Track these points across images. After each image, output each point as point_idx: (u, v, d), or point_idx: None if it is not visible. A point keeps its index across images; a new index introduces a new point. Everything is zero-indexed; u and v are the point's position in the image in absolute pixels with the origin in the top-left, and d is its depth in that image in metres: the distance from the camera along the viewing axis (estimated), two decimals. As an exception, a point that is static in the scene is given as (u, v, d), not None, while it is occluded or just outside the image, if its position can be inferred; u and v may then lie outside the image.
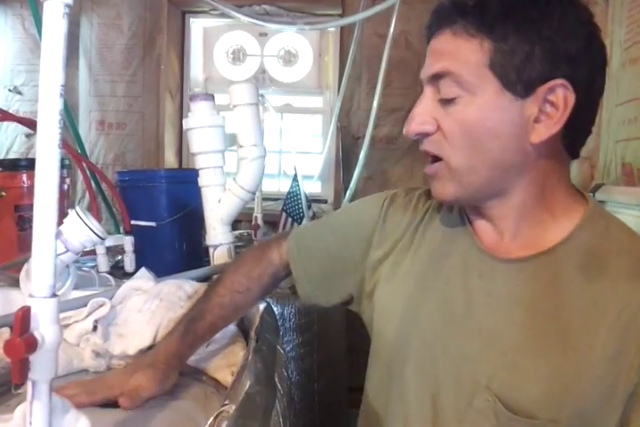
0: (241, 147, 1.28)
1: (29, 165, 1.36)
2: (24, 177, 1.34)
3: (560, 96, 0.61)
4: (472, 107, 0.63)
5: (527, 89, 0.62)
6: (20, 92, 2.90)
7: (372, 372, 0.80)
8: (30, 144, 2.88)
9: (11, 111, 2.35)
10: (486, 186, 0.67)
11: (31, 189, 1.33)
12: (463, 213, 0.76)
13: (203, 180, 1.30)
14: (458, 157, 0.65)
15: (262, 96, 1.89)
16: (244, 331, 0.98)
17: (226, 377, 0.87)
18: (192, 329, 0.83)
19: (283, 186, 2.92)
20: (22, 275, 0.93)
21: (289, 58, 3.01)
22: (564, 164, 0.69)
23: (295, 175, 2.17)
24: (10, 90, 2.90)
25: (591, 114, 0.67)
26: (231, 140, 1.31)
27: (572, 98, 0.61)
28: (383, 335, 0.77)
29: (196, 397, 0.81)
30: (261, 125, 1.32)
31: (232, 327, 0.98)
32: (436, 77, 0.65)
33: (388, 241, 0.80)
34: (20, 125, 2.64)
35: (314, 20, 2.71)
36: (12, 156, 2.89)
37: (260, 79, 3.00)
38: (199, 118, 1.25)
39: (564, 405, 0.61)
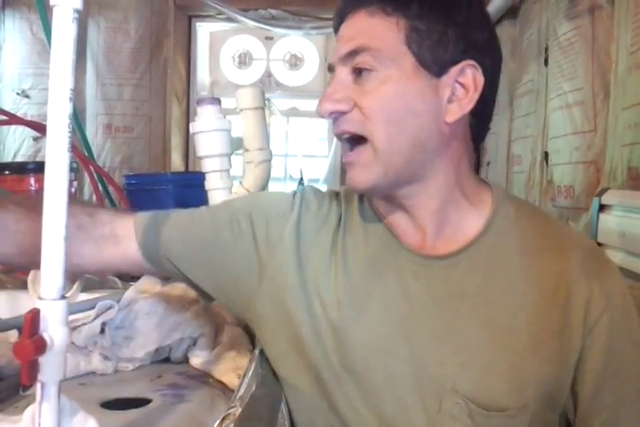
0: (247, 150, 1.29)
1: (37, 168, 1.37)
2: (32, 180, 1.35)
3: (469, 77, 0.64)
4: (390, 82, 0.63)
5: (441, 68, 0.64)
6: (27, 96, 2.92)
7: (297, 382, 0.72)
8: (38, 147, 2.89)
9: (18, 114, 2.36)
10: (406, 168, 0.65)
11: (39, 192, 1.33)
12: (377, 210, 0.72)
13: (209, 183, 1.30)
14: (381, 135, 0.63)
15: (268, 100, 1.90)
16: (250, 334, 0.99)
17: (232, 380, 0.87)
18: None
19: (289, 189, 2.92)
20: (30, 277, 0.94)
21: (295, 62, 3.02)
22: (471, 152, 0.71)
23: (301, 179, 2.18)
24: (18, 93, 2.91)
25: (491, 107, 0.70)
26: (237, 144, 1.32)
27: (481, 80, 0.64)
28: (337, 347, 0.68)
29: (203, 400, 0.81)
30: (267, 129, 1.32)
31: (238, 331, 0.98)
32: (352, 54, 0.64)
33: (307, 245, 0.72)
34: (27, 129, 2.67)
35: (320, 24, 2.72)
36: (19, 159, 2.90)
37: (266, 83, 3.01)
38: (206, 122, 1.26)
39: (529, 389, 0.62)
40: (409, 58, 0.63)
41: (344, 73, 0.66)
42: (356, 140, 0.66)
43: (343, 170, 2.79)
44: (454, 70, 0.64)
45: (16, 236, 0.67)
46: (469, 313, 0.65)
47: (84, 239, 0.71)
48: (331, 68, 0.68)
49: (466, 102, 0.64)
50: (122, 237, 0.74)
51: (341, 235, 0.71)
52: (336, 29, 0.68)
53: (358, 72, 0.64)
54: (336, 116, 0.66)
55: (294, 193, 0.78)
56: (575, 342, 0.63)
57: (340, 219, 0.73)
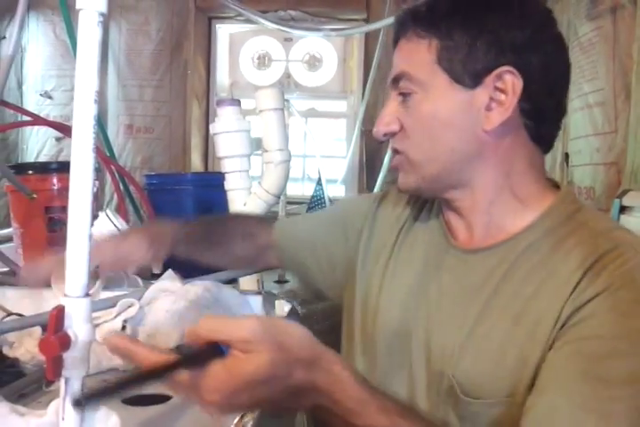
0: (266, 151, 1.30)
1: (60, 167, 1.39)
2: (54, 180, 1.37)
3: (508, 82, 0.65)
4: (426, 102, 0.68)
5: (474, 80, 0.66)
6: (50, 97, 2.96)
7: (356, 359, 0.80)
8: (60, 147, 2.94)
9: (41, 115, 2.40)
10: (446, 175, 0.70)
11: (61, 191, 1.35)
12: (440, 208, 0.78)
13: (229, 183, 1.31)
14: (416, 150, 0.70)
15: (287, 101, 1.91)
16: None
17: (251, 378, 0.88)
18: (191, 226, 0.94)
19: (307, 190, 2.93)
20: (53, 275, 0.95)
21: (314, 62, 3.03)
22: (533, 153, 0.70)
23: (319, 179, 2.19)
24: (41, 95, 2.96)
25: (553, 102, 0.69)
26: (256, 145, 1.33)
27: (519, 83, 0.64)
28: (369, 326, 0.78)
29: (222, 397, 0.82)
30: (286, 130, 1.33)
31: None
32: (396, 81, 0.70)
33: (376, 240, 0.82)
34: (50, 129, 2.71)
35: (339, 26, 2.73)
36: (42, 159, 2.95)
37: (285, 84, 3.02)
38: (225, 123, 1.27)
39: (520, 379, 0.62)
40: (442, 76, 0.66)
41: (393, 96, 0.72)
42: (399, 151, 0.73)
43: (361, 170, 2.80)
44: (489, 79, 0.65)
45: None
46: (484, 302, 0.67)
47: (256, 242, 0.95)
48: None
49: (504, 109, 0.65)
50: (264, 247, 0.94)
51: (405, 230, 0.80)
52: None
53: (403, 95, 0.70)
54: (389, 136, 0.73)
55: (378, 195, 0.89)
56: (556, 333, 0.61)
57: (408, 217, 0.81)
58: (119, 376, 0.50)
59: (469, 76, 0.66)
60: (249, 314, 0.52)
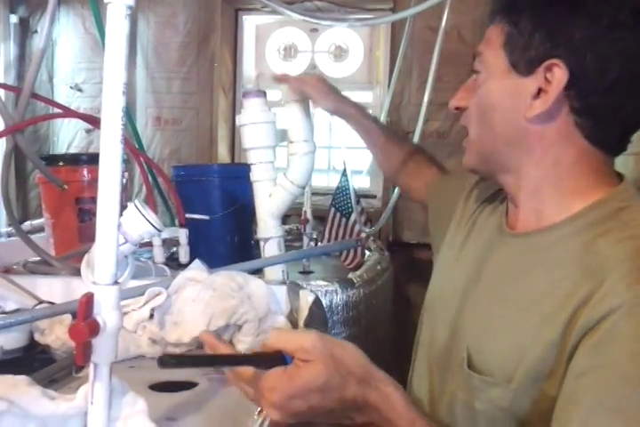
0: (291, 142, 1.30)
1: (90, 159, 1.41)
2: (85, 171, 1.39)
3: (556, 75, 0.66)
4: (485, 84, 0.72)
5: (528, 68, 0.68)
6: (80, 90, 3.01)
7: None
8: (90, 139, 2.99)
9: (72, 108, 2.44)
10: (494, 158, 0.74)
11: (91, 182, 1.38)
12: (504, 196, 0.82)
13: (254, 175, 1.32)
14: (472, 129, 0.75)
15: (313, 92, 1.90)
16: (293, 323, 1.01)
17: (275, 367, 0.89)
18: (369, 118, 1.18)
19: (332, 181, 2.93)
20: (83, 264, 0.96)
21: (339, 53, 3.02)
22: (585, 150, 0.68)
23: (344, 170, 2.18)
24: (71, 87, 3.01)
25: (610, 104, 0.66)
26: (282, 136, 1.33)
27: (564, 76, 0.65)
28: (430, 298, 0.88)
29: (247, 384, 0.83)
30: (311, 121, 1.33)
31: (282, 319, 1.00)
32: (473, 59, 0.75)
33: (463, 214, 0.88)
34: (80, 121, 2.75)
35: (365, 16, 2.71)
36: (72, 150, 3.00)
37: (311, 75, 3.02)
38: (251, 115, 1.27)
39: (518, 366, 0.64)
40: (504, 60, 0.70)
41: (473, 74, 0.76)
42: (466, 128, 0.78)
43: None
44: (541, 69, 0.67)
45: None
46: (507, 286, 0.70)
47: (414, 181, 1.15)
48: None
49: (543, 100, 0.67)
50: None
51: (479, 211, 0.86)
52: None
53: (476, 74, 0.74)
54: (459, 112, 0.77)
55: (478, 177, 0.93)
56: (573, 339, 0.60)
57: (486, 198, 0.86)
58: (198, 354, 0.61)
59: (524, 64, 0.68)
60: (310, 330, 0.57)
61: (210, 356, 0.55)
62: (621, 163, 1.37)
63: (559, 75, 0.65)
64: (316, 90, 1.13)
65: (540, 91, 0.67)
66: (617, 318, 0.57)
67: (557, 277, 0.64)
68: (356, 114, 1.16)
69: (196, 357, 0.57)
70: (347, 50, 3.01)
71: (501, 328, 0.68)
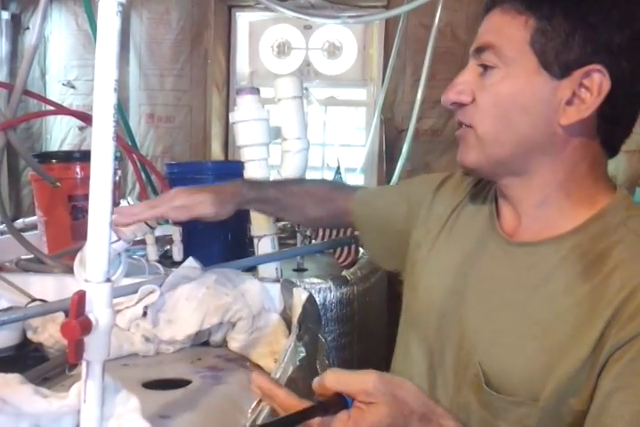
0: (285, 139, 1.30)
1: (83, 156, 1.41)
2: (78, 168, 1.39)
3: (595, 81, 0.62)
4: (508, 81, 0.65)
5: (563, 71, 0.63)
6: (73, 87, 2.99)
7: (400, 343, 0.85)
8: (83, 136, 2.97)
9: (64, 105, 2.42)
10: (508, 161, 0.68)
11: (84, 180, 1.37)
12: (494, 195, 0.77)
13: (248, 172, 1.32)
14: (487, 127, 0.68)
15: (306, 89, 1.91)
16: (286, 320, 1.01)
17: (269, 364, 0.89)
18: (265, 188, 1.00)
19: (326, 178, 2.93)
20: (76, 262, 0.97)
21: (333, 50, 3.01)
22: (598, 156, 0.68)
23: (338, 168, 2.18)
24: (64, 84, 2.99)
25: (630, 111, 0.66)
26: (276, 133, 1.33)
27: (606, 85, 0.62)
28: (411, 302, 0.83)
29: (241, 382, 0.83)
30: (305, 118, 1.33)
31: (275, 316, 1.00)
32: (480, 51, 0.67)
33: (433, 220, 0.83)
34: (73, 118, 2.73)
35: (358, 13, 2.71)
36: (65, 148, 2.99)
37: (305, 72, 3.02)
38: (245, 112, 1.27)
39: (545, 385, 0.62)
40: (531, 58, 0.64)
41: (473, 65, 0.69)
42: (466, 125, 0.71)
43: (381, 159, 2.79)
44: (578, 73, 0.62)
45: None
46: (519, 301, 0.67)
47: (330, 208, 1.01)
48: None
49: (586, 107, 0.63)
50: (341, 213, 1.00)
51: (457, 212, 0.80)
52: (483, 19, 0.71)
53: (484, 67, 0.67)
54: (455, 107, 0.70)
55: (443, 176, 0.89)
56: (603, 354, 0.60)
57: (462, 199, 0.81)
58: (272, 419, 0.59)
59: (559, 66, 0.63)
60: (368, 371, 0.55)
61: (280, 419, 0.54)
62: (614, 160, 1.38)
63: (601, 82, 0.62)
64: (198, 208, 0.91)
65: (573, 95, 0.63)
66: None
67: (579, 292, 0.63)
68: (255, 199, 0.98)
69: (267, 424, 0.57)
70: (340, 47, 3.01)
71: (522, 344, 0.65)
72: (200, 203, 0.89)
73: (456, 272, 0.75)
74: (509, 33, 0.65)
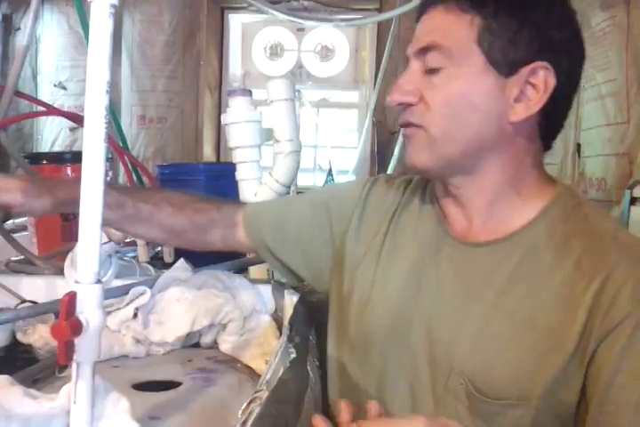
0: (277, 141, 1.30)
1: (74, 158, 1.40)
2: (68, 170, 1.38)
3: (541, 78, 0.63)
4: (457, 80, 0.65)
5: (511, 68, 0.64)
6: (64, 87, 2.98)
7: (339, 350, 0.79)
8: (74, 137, 2.96)
9: (55, 106, 2.42)
10: (460, 159, 0.68)
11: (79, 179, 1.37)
12: (434, 196, 0.76)
13: (239, 173, 1.32)
14: (438, 126, 0.66)
15: (298, 91, 1.91)
16: (277, 321, 1.01)
17: (260, 366, 0.89)
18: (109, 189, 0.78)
19: (318, 180, 2.94)
20: (67, 263, 0.97)
21: (326, 53, 3.02)
22: (539, 151, 0.70)
23: (330, 169, 2.19)
24: (55, 85, 2.98)
25: (565, 107, 0.69)
26: (267, 135, 1.33)
27: (552, 81, 0.63)
28: (362, 319, 0.75)
29: (231, 383, 0.83)
30: (297, 120, 1.33)
31: (266, 318, 1.00)
32: (424, 51, 0.67)
33: (370, 231, 0.79)
34: (64, 119, 2.73)
35: (351, 16, 2.72)
36: (56, 149, 2.98)
37: (297, 74, 3.02)
38: (237, 113, 1.27)
39: (536, 383, 0.62)
40: (479, 56, 0.64)
41: (416, 66, 0.68)
42: (416, 125, 0.69)
43: (372, 161, 2.79)
44: (525, 71, 0.63)
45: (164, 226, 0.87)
46: (492, 301, 0.66)
47: (214, 229, 0.88)
48: (407, 58, 0.71)
49: (533, 103, 0.64)
50: (238, 226, 0.88)
51: (396, 219, 0.77)
52: (417, 20, 0.70)
53: (430, 68, 0.67)
54: (403, 108, 0.69)
55: (367, 181, 0.85)
56: (590, 344, 0.61)
57: (398, 204, 0.78)
58: None
59: (507, 64, 0.64)
60: (414, 416, 0.54)
61: None
62: (603, 164, 1.39)
63: (547, 78, 0.63)
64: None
65: (520, 93, 0.64)
66: (635, 322, 0.59)
67: (550, 285, 0.63)
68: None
69: None
70: (333, 49, 3.02)
71: (504, 346, 0.64)
72: (8, 189, 0.72)
73: (413, 283, 0.72)
74: (455, 32, 0.64)
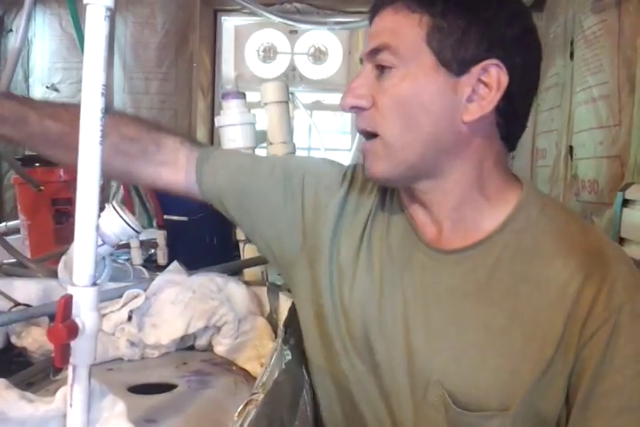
0: (271, 144, 1.30)
1: (67, 160, 1.40)
2: (61, 172, 1.38)
3: (493, 76, 0.62)
4: (407, 81, 0.64)
5: (461, 67, 0.63)
6: (56, 90, 2.97)
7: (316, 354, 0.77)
8: (67, 140, 2.95)
9: (48, 108, 2.40)
10: (419, 163, 0.66)
11: (68, 183, 1.37)
12: (401, 200, 0.74)
13: (233, 176, 1.32)
14: (392, 132, 0.65)
15: (292, 94, 1.91)
16: (272, 324, 1.01)
17: (255, 368, 0.89)
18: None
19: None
20: (60, 266, 0.96)
21: (319, 55, 3.03)
22: (501, 152, 0.69)
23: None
24: (47, 87, 2.97)
25: (524, 106, 0.68)
26: (261, 137, 1.33)
27: (504, 79, 0.62)
28: (339, 328, 0.73)
29: (227, 386, 0.83)
30: (291, 123, 1.34)
31: (261, 320, 1.00)
32: (375, 52, 0.65)
33: (346, 224, 0.75)
34: (56, 122, 2.71)
35: (344, 19, 2.72)
36: (48, 151, 2.96)
37: (291, 77, 3.02)
38: (230, 116, 1.27)
39: (514, 392, 0.61)
40: (428, 56, 0.63)
41: (369, 68, 0.67)
42: (371, 133, 0.68)
43: (366, 164, 2.80)
44: (476, 69, 0.62)
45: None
46: (468, 310, 0.65)
47: (147, 162, 0.79)
48: (361, 61, 0.69)
49: (486, 103, 0.63)
50: (182, 167, 0.80)
51: (370, 222, 0.74)
52: (370, 23, 0.69)
53: (381, 69, 0.65)
54: (356, 111, 0.67)
55: (348, 167, 0.81)
56: (571, 353, 0.60)
57: (371, 209, 0.75)
58: None
59: (457, 63, 0.62)
60: None
61: None
62: (595, 166, 1.40)
63: (499, 76, 0.62)
64: None
65: (472, 92, 0.63)
66: (612, 328, 0.59)
67: (524, 291, 0.63)
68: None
69: None
70: (326, 52, 3.02)
71: (481, 354, 0.63)
72: None
73: (388, 292, 0.70)
74: (404, 32, 0.63)
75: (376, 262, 0.72)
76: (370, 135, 0.68)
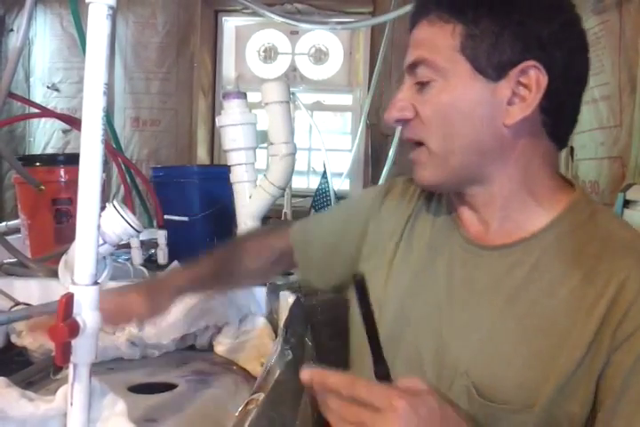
0: (272, 144, 1.30)
1: (67, 160, 1.40)
2: (62, 172, 1.38)
3: (532, 78, 0.62)
4: (446, 91, 0.65)
5: (498, 72, 0.63)
6: (57, 89, 2.97)
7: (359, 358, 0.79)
8: (67, 140, 2.95)
9: (49, 107, 2.41)
10: (465, 170, 0.67)
11: (68, 183, 1.36)
12: (449, 202, 0.76)
13: (234, 176, 1.32)
14: (435, 140, 0.67)
15: (293, 94, 1.91)
16: (273, 323, 1.01)
17: (256, 368, 0.89)
18: (196, 270, 0.87)
19: (312, 183, 2.94)
20: (61, 266, 0.96)
21: (319, 56, 3.03)
22: (549, 151, 0.68)
23: (324, 172, 2.19)
24: (48, 87, 2.97)
25: (572, 100, 0.67)
26: (262, 138, 1.33)
27: (544, 79, 0.62)
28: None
29: (227, 386, 0.83)
30: (292, 123, 1.34)
31: (262, 320, 1.00)
32: (414, 66, 0.67)
33: (382, 232, 0.79)
34: (57, 121, 2.72)
35: (345, 19, 2.72)
36: (49, 151, 2.96)
37: (291, 77, 3.02)
38: (231, 116, 1.27)
39: (541, 391, 0.61)
40: (464, 64, 0.63)
41: (409, 82, 0.68)
42: (416, 142, 0.69)
43: (367, 164, 2.80)
44: (514, 72, 0.62)
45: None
46: (502, 306, 0.65)
47: (270, 253, 0.92)
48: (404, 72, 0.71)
49: (527, 105, 0.63)
50: (282, 253, 0.91)
51: (411, 223, 0.77)
52: (410, 32, 0.70)
53: (421, 83, 0.67)
54: (402, 123, 0.69)
55: (386, 182, 0.87)
56: (601, 355, 0.60)
57: (412, 210, 0.78)
58: None
59: (493, 68, 0.63)
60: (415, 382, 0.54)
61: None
62: (596, 167, 1.40)
63: (538, 77, 0.62)
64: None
65: (513, 95, 0.63)
66: None
67: (562, 292, 0.63)
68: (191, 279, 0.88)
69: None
70: (327, 52, 3.02)
71: (511, 351, 0.63)
72: (128, 308, 0.78)
73: (423, 285, 0.72)
74: (438, 44, 0.65)
75: (415, 258, 0.74)
76: (416, 144, 0.69)
